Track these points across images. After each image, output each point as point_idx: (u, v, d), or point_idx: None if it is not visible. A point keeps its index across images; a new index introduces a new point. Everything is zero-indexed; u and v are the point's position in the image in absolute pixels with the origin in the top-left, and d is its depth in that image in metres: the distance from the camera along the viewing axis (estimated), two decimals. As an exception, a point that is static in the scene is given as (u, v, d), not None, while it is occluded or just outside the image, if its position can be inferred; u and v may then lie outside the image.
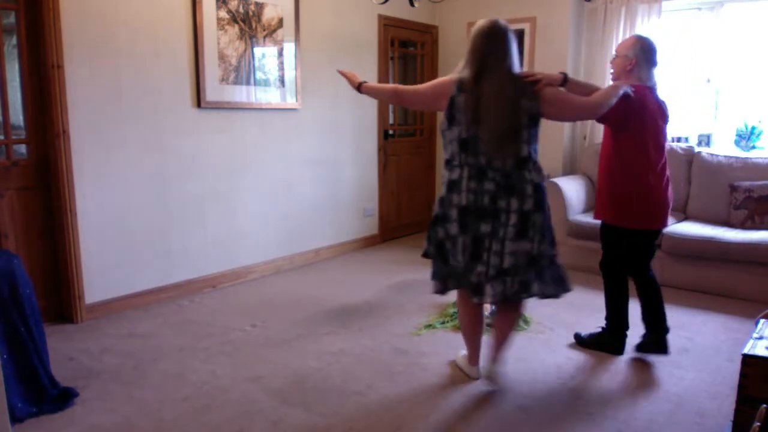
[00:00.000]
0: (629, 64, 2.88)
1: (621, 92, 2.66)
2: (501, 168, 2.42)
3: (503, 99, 2.41)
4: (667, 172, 3.00)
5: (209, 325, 3.51)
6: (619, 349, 3.13)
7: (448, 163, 2.57)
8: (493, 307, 3.62)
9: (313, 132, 4.88)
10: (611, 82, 2.89)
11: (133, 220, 3.75)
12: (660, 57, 2.97)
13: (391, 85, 2.87)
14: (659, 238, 3.17)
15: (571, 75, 2.75)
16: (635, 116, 2.79)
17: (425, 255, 2.65)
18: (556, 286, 2.55)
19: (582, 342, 3.25)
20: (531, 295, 2.51)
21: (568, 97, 2.59)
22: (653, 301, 3.07)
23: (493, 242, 2.43)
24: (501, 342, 2.72)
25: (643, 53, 2.87)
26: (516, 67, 2.52)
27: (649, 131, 2.85)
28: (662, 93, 5.09)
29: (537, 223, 2.44)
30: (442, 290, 2.63)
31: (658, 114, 2.90)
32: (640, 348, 3.10)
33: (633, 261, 3.06)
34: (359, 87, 2.77)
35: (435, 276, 2.64)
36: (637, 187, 2.89)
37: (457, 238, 2.47)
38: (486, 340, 2.90)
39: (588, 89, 2.74)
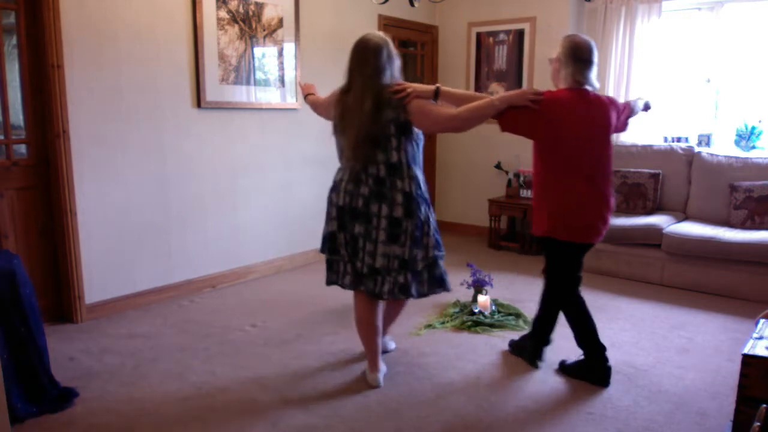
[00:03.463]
0: (556, 65, 2.69)
1: (501, 107, 2.54)
2: (375, 174, 2.61)
3: (363, 111, 2.57)
4: (604, 186, 2.68)
5: (209, 325, 3.51)
6: (603, 379, 2.79)
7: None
8: (493, 307, 3.63)
9: (313, 132, 4.88)
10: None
11: (133, 220, 3.75)
12: (591, 54, 2.62)
13: (318, 97, 3.12)
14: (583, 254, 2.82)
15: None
16: (541, 124, 2.58)
17: (321, 250, 2.85)
18: (431, 286, 2.74)
19: (567, 371, 2.93)
20: (409, 296, 2.69)
21: (431, 110, 2.58)
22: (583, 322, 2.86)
23: (367, 243, 2.63)
24: (385, 319, 2.93)
25: (566, 52, 2.64)
26: (385, 80, 2.62)
27: (564, 139, 2.59)
28: (662, 93, 5.13)
29: (408, 230, 2.60)
30: (327, 282, 2.85)
31: (587, 120, 2.61)
32: (566, 370, 2.91)
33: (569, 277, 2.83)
34: (305, 99, 3.15)
35: (327, 268, 2.87)
36: (552, 198, 2.67)
37: (336, 234, 2.71)
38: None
39: (463, 100, 2.63)
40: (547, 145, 2.64)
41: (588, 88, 2.65)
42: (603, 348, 2.81)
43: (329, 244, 2.76)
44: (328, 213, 2.77)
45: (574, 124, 2.58)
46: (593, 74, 2.65)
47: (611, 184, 2.72)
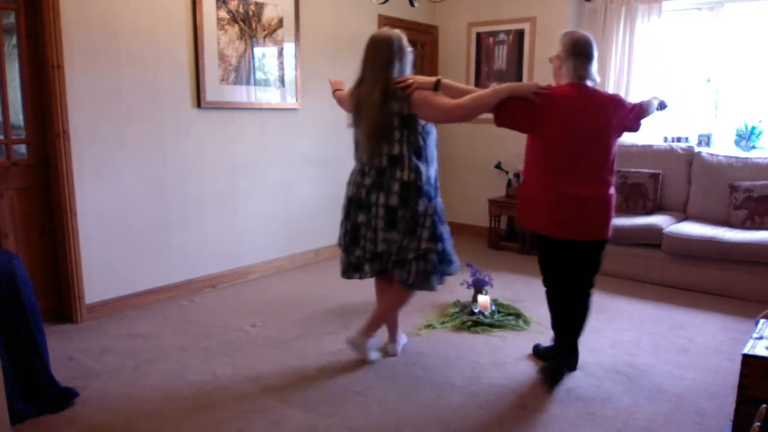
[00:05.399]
0: (557, 62, 2.68)
1: (503, 95, 2.53)
2: (377, 165, 2.71)
3: (372, 102, 2.67)
4: (600, 185, 2.62)
5: (209, 325, 3.51)
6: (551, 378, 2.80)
7: None
8: (493, 307, 3.63)
9: (313, 132, 4.88)
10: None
11: (133, 220, 3.75)
12: (594, 50, 2.61)
13: (343, 92, 3.13)
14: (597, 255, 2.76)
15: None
16: (539, 118, 2.55)
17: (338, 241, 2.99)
18: (416, 279, 2.75)
19: (537, 353, 3.06)
20: (406, 282, 2.76)
21: (434, 100, 2.64)
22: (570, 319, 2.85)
23: (368, 231, 2.76)
24: (374, 315, 2.96)
25: (566, 48, 2.61)
26: (394, 73, 2.69)
27: (558, 134, 2.55)
28: (662, 93, 5.12)
29: (405, 218, 2.69)
30: (341, 272, 2.95)
31: (585, 116, 2.56)
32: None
33: (553, 271, 2.85)
34: (333, 94, 3.21)
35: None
36: (538, 193, 2.66)
37: (343, 223, 2.88)
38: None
39: (463, 93, 2.66)
40: (541, 140, 2.61)
41: (589, 83, 2.62)
42: (569, 351, 2.85)
43: (341, 233, 2.91)
44: (343, 205, 2.90)
45: (571, 119, 2.55)
46: (594, 68, 2.63)
47: (609, 184, 2.65)
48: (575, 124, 2.55)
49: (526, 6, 5.45)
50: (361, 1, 5.11)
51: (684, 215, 4.72)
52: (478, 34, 5.78)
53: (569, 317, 2.83)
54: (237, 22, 4.19)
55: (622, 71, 5.11)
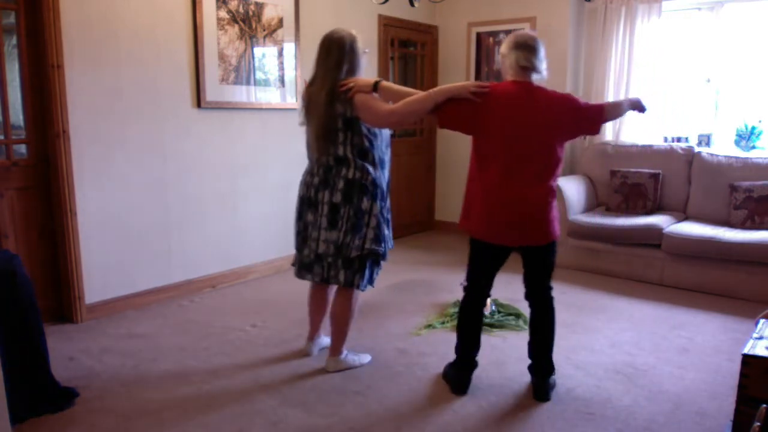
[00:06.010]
0: (502, 59, 2.57)
1: (438, 98, 2.47)
2: (325, 163, 2.72)
3: (318, 102, 2.67)
4: (538, 186, 2.48)
5: (209, 325, 3.51)
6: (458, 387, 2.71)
7: None
8: (493, 307, 3.63)
9: (313, 132, 4.88)
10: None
11: (133, 220, 3.75)
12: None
13: None
14: (547, 258, 2.69)
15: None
16: (479, 118, 2.46)
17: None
18: (360, 280, 2.78)
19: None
20: (338, 282, 2.77)
21: (372, 105, 2.61)
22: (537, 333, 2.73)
23: (313, 230, 2.75)
24: (332, 329, 2.92)
25: (508, 43, 2.51)
26: (343, 74, 2.67)
27: (497, 134, 2.45)
28: (662, 93, 5.11)
29: (346, 215, 2.67)
30: (295, 272, 2.98)
31: (524, 115, 2.44)
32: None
33: (480, 275, 2.72)
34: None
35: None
36: (477, 195, 2.54)
37: (296, 222, 2.89)
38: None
39: (403, 96, 2.58)
40: (482, 140, 2.51)
41: (535, 76, 2.49)
42: (474, 366, 2.75)
43: (294, 233, 2.92)
44: (296, 205, 2.92)
45: (511, 118, 2.43)
46: (540, 63, 2.49)
47: (551, 188, 2.52)
48: (515, 123, 2.43)
49: (526, 6, 5.45)
50: (361, 1, 5.11)
51: (684, 215, 4.72)
52: (478, 34, 5.78)
53: (477, 330, 2.72)
54: (237, 22, 4.19)
55: (622, 71, 5.11)
